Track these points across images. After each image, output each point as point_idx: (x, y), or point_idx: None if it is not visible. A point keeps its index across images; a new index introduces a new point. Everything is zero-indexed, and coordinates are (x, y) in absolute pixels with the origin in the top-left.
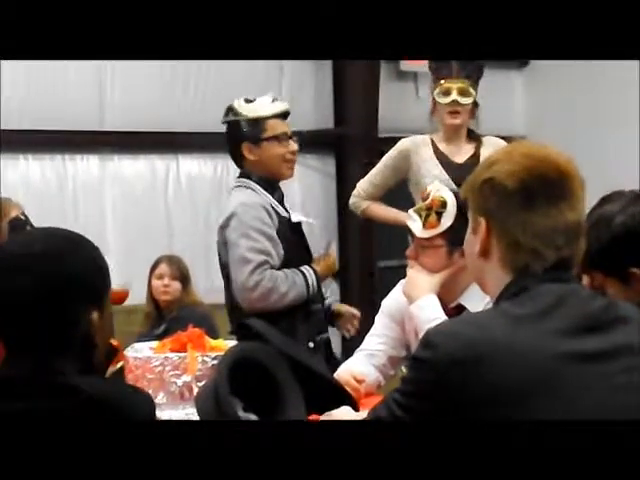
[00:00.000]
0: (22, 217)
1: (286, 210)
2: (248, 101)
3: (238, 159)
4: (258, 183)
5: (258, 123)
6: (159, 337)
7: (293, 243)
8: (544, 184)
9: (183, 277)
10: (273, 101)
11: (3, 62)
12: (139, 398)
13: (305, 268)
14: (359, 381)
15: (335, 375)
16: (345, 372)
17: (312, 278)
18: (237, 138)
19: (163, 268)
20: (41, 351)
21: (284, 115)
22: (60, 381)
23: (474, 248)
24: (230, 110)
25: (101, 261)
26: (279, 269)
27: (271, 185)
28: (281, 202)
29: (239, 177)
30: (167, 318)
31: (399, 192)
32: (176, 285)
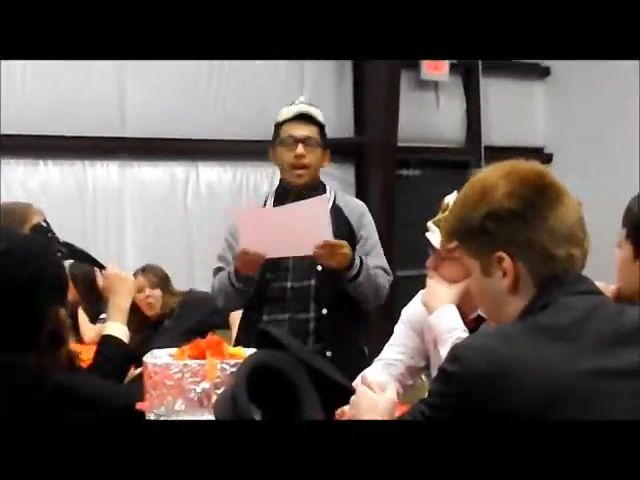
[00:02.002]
0: (43, 224)
1: None
2: (291, 104)
3: None
4: (277, 187)
5: (277, 128)
6: (174, 326)
7: None
8: (539, 192)
9: (161, 281)
10: (298, 104)
11: (25, 69)
12: (111, 391)
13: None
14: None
15: (354, 384)
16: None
17: (232, 272)
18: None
19: (140, 281)
20: (8, 348)
21: (302, 118)
22: (29, 375)
23: (498, 288)
24: None
25: (59, 259)
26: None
27: (285, 191)
28: None
29: None
30: (170, 313)
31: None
32: (157, 293)
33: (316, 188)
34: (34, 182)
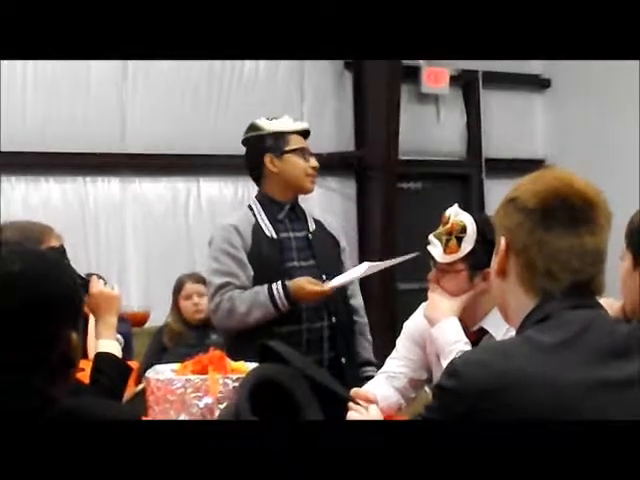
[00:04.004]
0: (60, 249)
1: (290, 229)
2: (271, 119)
3: (258, 174)
4: (261, 201)
5: (281, 136)
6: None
7: (274, 263)
8: (566, 207)
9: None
10: (294, 121)
11: (25, 86)
12: (117, 411)
13: (276, 283)
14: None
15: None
16: None
17: (280, 293)
18: (260, 151)
19: (189, 288)
20: (19, 370)
21: (305, 134)
22: (37, 399)
23: (493, 266)
24: (252, 127)
25: (76, 281)
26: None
27: (277, 203)
28: (281, 221)
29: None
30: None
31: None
32: (205, 300)
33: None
34: (35, 199)
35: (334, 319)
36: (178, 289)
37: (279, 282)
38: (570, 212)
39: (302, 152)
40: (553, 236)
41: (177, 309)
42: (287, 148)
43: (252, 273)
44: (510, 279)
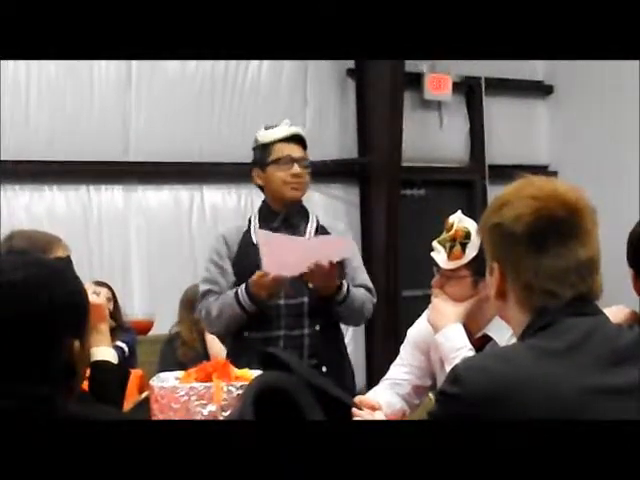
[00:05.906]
0: (66, 259)
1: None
2: (267, 128)
3: (258, 185)
4: (260, 210)
5: (266, 148)
6: None
7: (256, 268)
8: (552, 225)
9: None
10: (289, 126)
11: (29, 94)
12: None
13: (241, 286)
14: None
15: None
16: None
17: (242, 291)
18: (252, 164)
19: None
20: (21, 378)
21: (293, 139)
22: (40, 407)
23: (491, 290)
24: (255, 138)
25: (82, 290)
26: None
27: (273, 212)
28: (277, 229)
29: None
30: None
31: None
32: None
33: (299, 211)
34: (39, 207)
35: (317, 327)
36: (193, 295)
37: (244, 284)
38: (557, 230)
39: (280, 161)
40: (546, 258)
41: (190, 318)
42: (269, 159)
43: (233, 279)
44: (510, 301)
